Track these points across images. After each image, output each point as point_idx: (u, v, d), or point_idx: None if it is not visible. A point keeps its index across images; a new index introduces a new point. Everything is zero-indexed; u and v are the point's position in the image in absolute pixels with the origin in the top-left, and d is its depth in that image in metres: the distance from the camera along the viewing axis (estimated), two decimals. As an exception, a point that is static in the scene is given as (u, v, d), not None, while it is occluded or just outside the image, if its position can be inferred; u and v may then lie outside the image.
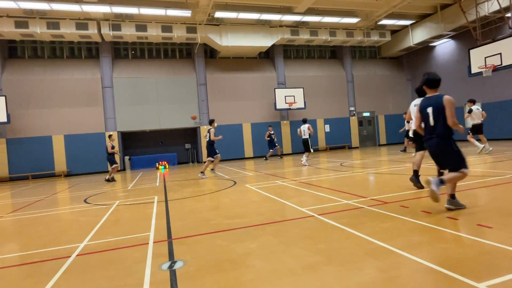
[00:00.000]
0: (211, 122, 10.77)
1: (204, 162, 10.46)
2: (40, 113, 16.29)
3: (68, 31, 14.82)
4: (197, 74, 18.49)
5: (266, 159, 16.27)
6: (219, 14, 15.70)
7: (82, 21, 15.02)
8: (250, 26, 17.42)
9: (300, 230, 3.73)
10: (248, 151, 19.13)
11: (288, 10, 16.44)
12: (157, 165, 17.46)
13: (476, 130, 10.29)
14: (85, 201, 7.42)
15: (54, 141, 16.40)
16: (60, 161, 16.34)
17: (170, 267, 2.88)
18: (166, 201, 6.52)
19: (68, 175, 16.52)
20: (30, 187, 11.86)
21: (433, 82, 4.19)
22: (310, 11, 16.67)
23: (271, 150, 16.41)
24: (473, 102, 10.52)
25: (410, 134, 6.72)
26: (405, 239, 3.10)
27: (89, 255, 3.43)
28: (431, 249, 2.79)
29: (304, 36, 18.21)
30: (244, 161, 17.27)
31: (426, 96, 4.23)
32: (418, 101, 5.33)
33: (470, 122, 10.42)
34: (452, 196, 4.00)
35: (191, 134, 19.78)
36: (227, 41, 16.99)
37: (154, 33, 15.86)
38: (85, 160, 16.69)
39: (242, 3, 15.50)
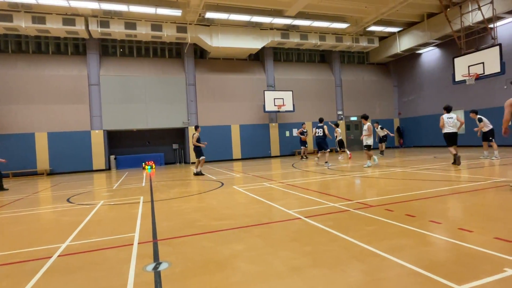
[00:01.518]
0: (196, 127, 11.52)
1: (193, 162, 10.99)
2: (23, 109, 15.85)
3: (55, 27, 14.49)
4: (187, 74, 18.37)
5: (303, 157, 16.22)
6: (210, 15, 15.66)
7: (69, 17, 14.71)
8: (241, 28, 17.44)
9: (287, 232, 3.74)
10: (236, 152, 19.10)
11: (279, 13, 16.54)
12: (143, 165, 17.23)
13: (449, 140, 9.87)
14: (68, 200, 7.25)
15: (37, 138, 15.97)
16: (42, 159, 15.92)
17: (155, 268, 2.84)
18: (152, 201, 6.43)
19: (50, 173, 16.11)
20: (11, 185, 11.50)
21: None
22: (300, 15, 16.82)
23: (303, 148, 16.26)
24: (446, 109, 10.09)
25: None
26: (389, 242, 3.15)
27: (72, 255, 3.35)
28: (415, 252, 2.84)
29: (294, 40, 18.35)
30: (232, 163, 17.23)
31: None
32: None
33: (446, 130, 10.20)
34: None
35: (179, 134, 19.61)
36: (217, 42, 16.95)
37: (143, 32, 15.68)
38: (69, 159, 16.32)
39: (233, 5, 15.51)
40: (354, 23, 18.07)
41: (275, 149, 19.92)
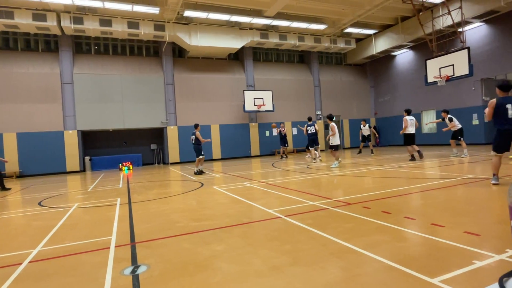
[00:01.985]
0: (196, 126, 11.47)
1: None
2: (-10, 108, 15.05)
3: (24, 22, 13.84)
4: (165, 73, 18.06)
5: (282, 157, 16.20)
6: (188, 13, 15.47)
7: (39, 12, 14.10)
8: (220, 27, 17.35)
9: (267, 231, 3.76)
10: (216, 152, 18.99)
11: (258, 13, 16.59)
12: (120, 166, 16.79)
13: (408, 139, 10.75)
14: (39, 203, 6.95)
15: (5, 139, 15.20)
16: (11, 161, 15.15)
17: (133, 272, 2.77)
18: (130, 203, 6.28)
19: (20, 176, 15.39)
20: (-24, 189, 10.87)
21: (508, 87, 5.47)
22: (279, 16, 16.94)
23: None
24: (408, 112, 11.12)
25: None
26: (367, 238, 3.23)
27: (44, 261, 3.22)
28: (390, 248, 2.93)
29: (273, 40, 18.46)
30: (212, 163, 17.11)
31: (504, 96, 5.43)
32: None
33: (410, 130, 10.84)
34: None
35: (158, 134, 19.26)
36: (196, 41, 16.77)
37: (119, 29, 15.28)
38: (41, 160, 15.64)
39: (212, 4, 15.40)
40: (331, 24, 18.41)
41: (255, 148, 19.97)
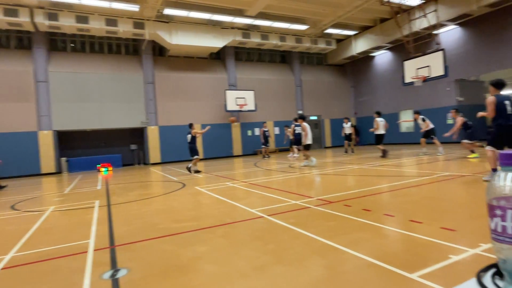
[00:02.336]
0: (190, 125, 11.64)
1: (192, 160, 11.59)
2: (-43, 108, 14.27)
3: (-6, 17, 13.22)
4: (145, 72, 17.71)
5: (264, 156, 16.38)
6: (169, 11, 15.24)
7: (11, 7, 13.49)
8: (202, 26, 17.18)
9: (250, 231, 3.75)
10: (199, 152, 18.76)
11: (240, 13, 16.55)
12: (98, 167, 16.32)
13: (379, 139, 12.01)
14: (12, 207, 6.65)
15: (-25, 140, 14.47)
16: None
17: (113, 276, 2.70)
18: (109, 205, 6.12)
19: (-9, 178, 14.66)
20: None
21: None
22: (261, 15, 16.96)
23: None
24: (378, 113, 12.16)
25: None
26: (348, 236, 3.28)
27: (18, 267, 3.08)
28: (371, 245, 2.99)
29: (255, 40, 18.47)
30: (193, 163, 16.91)
31: (499, 94, 5.64)
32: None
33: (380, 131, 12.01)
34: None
35: (138, 134, 18.84)
36: (177, 40, 16.54)
37: (97, 26, 14.84)
38: (13, 162, 14.96)
39: (193, 2, 15.23)
40: (312, 25, 18.61)
41: (237, 148, 19.92)
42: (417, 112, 12.28)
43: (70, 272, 2.88)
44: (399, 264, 2.49)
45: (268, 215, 4.37)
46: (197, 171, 11.23)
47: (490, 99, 5.63)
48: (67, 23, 14.33)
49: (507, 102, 5.49)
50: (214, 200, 5.86)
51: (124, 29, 15.39)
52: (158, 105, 17.92)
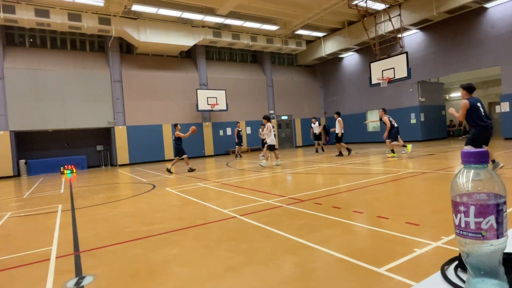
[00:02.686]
0: (175, 125, 11.34)
1: (173, 159, 11.41)
2: None
3: None
4: (111, 69, 17.04)
5: (237, 156, 16.44)
6: (136, 8, 14.76)
7: (-39, -2, 12.46)
8: (171, 23, 16.82)
9: (222, 232, 3.72)
10: (169, 153, 18.39)
11: (211, 11, 16.38)
12: (62, 170, 15.49)
13: (337, 139, 12.60)
14: (-37, 214, 6.13)
15: None
16: None
17: (77, 283, 2.56)
18: (73, 209, 5.82)
19: None
20: None
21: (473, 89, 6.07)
22: (232, 15, 16.90)
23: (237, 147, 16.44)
24: (338, 114, 12.78)
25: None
26: (319, 233, 3.34)
27: (-32, 280, 2.83)
28: (341, 241, 3.07)
29: (226, 39, 18.37)
30: (164, 163, 16.54)
31: (471, 97, 5.99)
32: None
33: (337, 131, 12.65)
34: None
35: (104, 135, 18.10)
36: (145, 37, 16.07)
37: (58, 21, 14.06)
38: (-35, 165, 13.84)
39: (162, -1, 14.87)
40: (283, 26, 18.82)
41: (209, 148, 19.72)
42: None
43: (30, 282, 2.70)
44: (367, 259, 2.57)
45: (241, 215, 4.35)
46: (191, 169, 11.00)
47: (463, 102, 5.95)
48: (25, 17, 13.45)
49: (479, 105, 5.90)
50: (186, 201, 5.75)
51: (89, 25, 14.71)
52: (126, 104, 17.31)
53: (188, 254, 3.06)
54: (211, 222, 4.20)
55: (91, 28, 15.11)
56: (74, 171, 15.68)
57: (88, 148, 17.96)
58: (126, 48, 18.16)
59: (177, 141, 10.96)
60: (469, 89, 6.02)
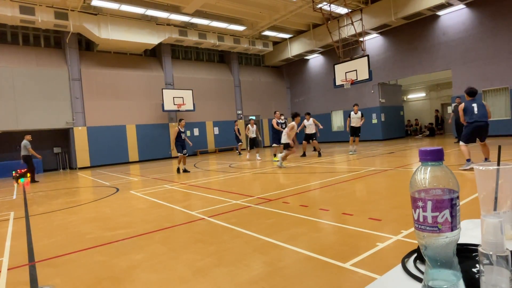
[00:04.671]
0: (180, 120, 10.79)
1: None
2: None
3: None
4: (69, 67, 16.10)
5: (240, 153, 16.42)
6: (96, 3, 14.06)
7: None
8: (135, 20, 16.24)
9: (190, 234, 3.65)
10: (133, 154, 17.74)
11: (176, 10, 16.04)
12: (14, 174, 14.36)
13: (309, 137, 12.90)
14: None
15: None
16: None
17: (32, 296, 2.39)
18: (27, 216, 5.42)
19: None
20: None
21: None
22: (198, 14, 16.67)
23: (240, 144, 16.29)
24: (309, 114, 13.09)
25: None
26: (287, 232, 3.39)
27: None
28: (308, 239, 3.14)
29: (192, 38, 18.08)
30: (128, 166, 15.93)
31: (470, 100, 6.62)
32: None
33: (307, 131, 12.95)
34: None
35: (62, 136, 17.05)
36: (106, 34, 15.36)
37: (8, 14, 13.04)
38: None
39: (124, -5, 14.31)
40: (250, 26, 18.89)
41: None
42: (356, 104, 13.05)
43: (-24, 297, 2.47)
44: (333, 255, 2.64)
45: (209, 217, 4.30)
46: (185, 170, 10.43)
47: (460, 107, 6.82)
48: (-31, 8, 12.34)
49: (474, 105, 6.56)
50: (151, 204, 5.58)
51: (43, 19, 13.79)
52: (86, 104, 16.45)
53: (154, 258, 2.97)
54: (178, 225, 4.11)
55: (46, 23, 14.18)
56: (28, 175, 14.61)
57: (44, 150, 16.81)
58: (86, 45, 17.26)
59: (179, 137, 10.48)
60: (470, 93, 6.68)
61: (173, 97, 18.15)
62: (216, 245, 3.19)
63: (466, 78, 15.19)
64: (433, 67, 16.51)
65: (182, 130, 10.59)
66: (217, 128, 20.89)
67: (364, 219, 3.60)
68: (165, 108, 17.91)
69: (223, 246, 3.14)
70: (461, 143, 6.73)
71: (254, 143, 13.91)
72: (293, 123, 9.88)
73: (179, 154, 10.52)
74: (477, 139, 6.65)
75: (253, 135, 13.96)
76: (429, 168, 0.53)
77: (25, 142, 11.72)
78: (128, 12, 15.56)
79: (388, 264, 2.36)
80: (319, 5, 15.72)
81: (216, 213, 4.46)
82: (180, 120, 10.83)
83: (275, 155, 11.67)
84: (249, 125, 14.05)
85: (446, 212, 0.51)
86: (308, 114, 13.05)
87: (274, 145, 12.50)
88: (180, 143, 10.55)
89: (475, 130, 6.54)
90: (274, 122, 12.34)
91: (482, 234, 0.52)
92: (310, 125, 12.71)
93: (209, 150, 20.36)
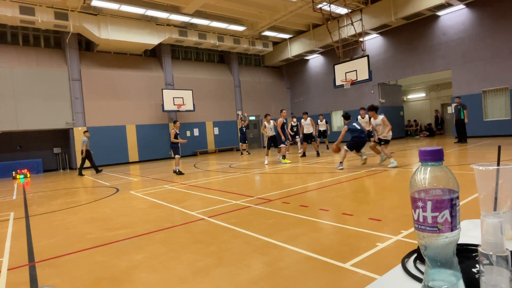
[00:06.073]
0: (174, 122, 10.37)
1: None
2: None
3: None
4: (69, 67, 16.10)
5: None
6: (96, 3, 14.06)
7: None
8: (135, 21, 16.24)
9: (190, 234, 3.65)
10: (133, 155, 17.74)
11: (176, 10, 16.04)
12: (14, 174, 14.37)
13: (307, 137, 12.90)
14: None
15: None
16: None
17: (32, 296, 2.39)
18: (27, 216, 5.42)
19: None
20: None
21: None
22: (198, 14, 16.67)
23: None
24: (306, 113, 13.11)
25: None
26: (287, 232, 3.39)
27: None
28: (308, 239, 3.13)
29: (192, 38, 18.08)
30: (128, 166, 15.93)
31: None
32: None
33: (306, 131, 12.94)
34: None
35: (62, 136, 17.04)
36: (106, 34, 15.36)
37: (8, 14, 13.04)
38: None
39: (124, -5, 14.31)
40: (250, 26, 18.90)
41: (175, 149, 19.27)
42: (305, 113, 13.14)
43: (-24, 297, 2.47)
44: (333, 255, 2.64)
45: (209, 217, 4.30)
46: (179, 173, 10.07)
47: (344, 128, 8.12)
48: (-31, 8, 12.34)
49: (356, 124, 8.05)
50: (151, 205, 5.58)
51: (43, 19, 13.79)
52: (86, 104, 16.45)
53: (154, 259, 2.97)
54: (178, 225, 4.11)
55: (46, 23, 14.18)
56: (28, 175, 14.62)
57: (44, 150, 16.83)
58: (86, 45, 17.26)
59: (176, 139, 10.28)
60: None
61: (173, 97, 18.15)
62: (216, 245, 3.19)
63: (466, 78, 15.20)
64: (433, 67, 16.51)
65: (178, 131, 10.39)
66: (217, 128, 20.89)
67: (364, 219, 3.60)
68: (165, 109, 17.91)
69: (223, 246, 3.14)
70: (345, 147, 8.04)
71: (273, 142, 11.73)
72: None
73: (176, 156, 10.30)
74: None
75: (272, 133, 11.69)
76: (429, 168, 0.53)
77: (84, 138, 12.68)
78: (128, 13, 15.56)
79: (388, 264, 2.36)
80: (319, 5, 15.71)
81: (216, 213, 4.46)
82: (175, 121, 10.40)
83: (284, 157, 11.24)
84: (265, 122, 11.72)
85: (446, 212, 0.51)
86: (306, 113, 13.04)
87: (282, 145, 11.17)
88: (176, 144, 10.39)
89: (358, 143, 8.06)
90: (279, 121, 11.20)
91: (482, 234, 0.52)
92: (307, 125, 12.69)
93: (209, 150, 20.35)
